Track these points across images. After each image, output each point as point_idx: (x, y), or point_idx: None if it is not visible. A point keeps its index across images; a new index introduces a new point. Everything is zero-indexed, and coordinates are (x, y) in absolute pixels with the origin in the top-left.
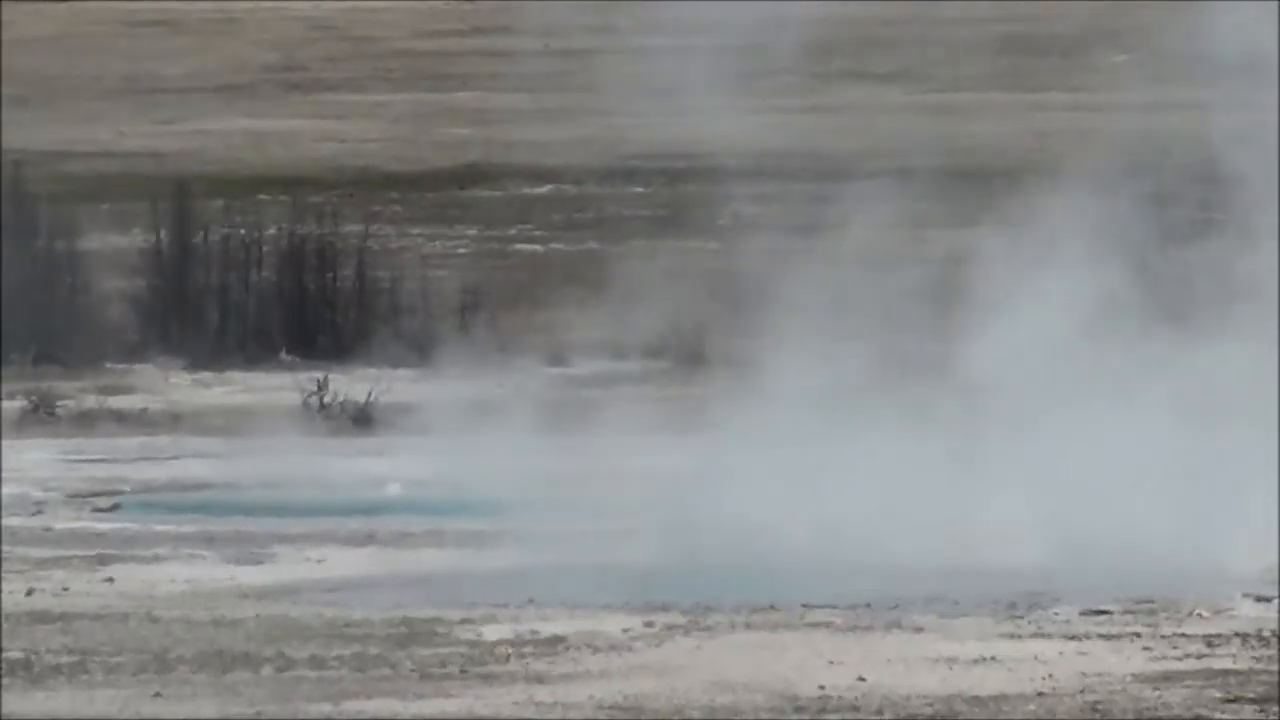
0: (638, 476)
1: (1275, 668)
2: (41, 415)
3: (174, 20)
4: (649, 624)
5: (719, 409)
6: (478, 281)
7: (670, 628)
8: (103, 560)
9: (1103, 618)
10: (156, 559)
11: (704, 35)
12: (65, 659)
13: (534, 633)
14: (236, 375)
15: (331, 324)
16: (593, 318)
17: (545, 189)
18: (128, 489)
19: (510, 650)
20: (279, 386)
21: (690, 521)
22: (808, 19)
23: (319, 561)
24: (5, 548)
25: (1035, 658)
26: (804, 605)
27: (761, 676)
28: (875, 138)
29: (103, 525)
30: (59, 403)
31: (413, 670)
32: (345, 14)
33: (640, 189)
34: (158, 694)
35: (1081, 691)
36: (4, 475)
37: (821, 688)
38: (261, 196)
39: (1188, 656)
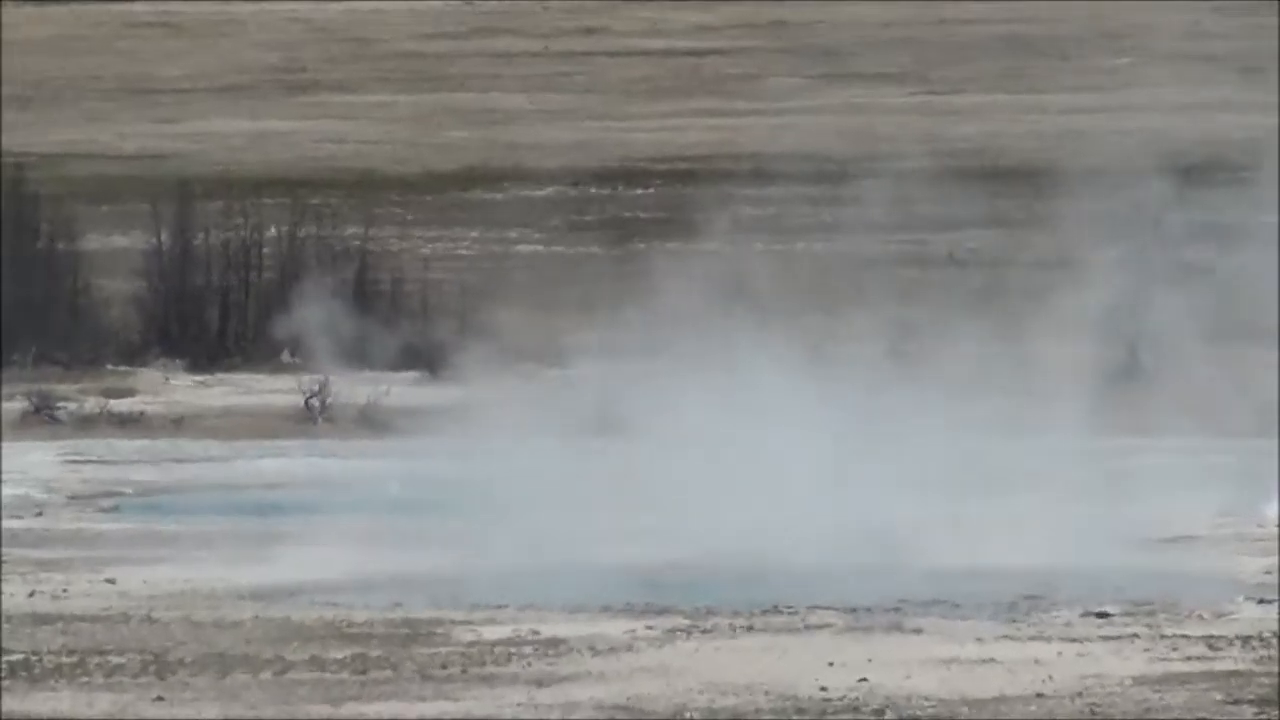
0: (638, 477)
1: (1275, 669)
2: (42, 416)
3: (174, 21)
4: (650, 626)
5: (717, 409)
6: (478, 283)
7: (671, 630)
8: (103, 561)
9: (1102, 620)
10: (157, 560)
11: (705, 37)
12: (66, 660)
13: (535, 633)
14: (237, 377)
15: (331, 326)
16: (593, 320)
17: (546, 191)
18: (128, 490)
19: (511, 651)
20: (280, 388)
21: (690, 522)
22: (808, 20)
23: (319, 563)
24: (6, 549)
25: (1035, 660)
26: (809, 607)
27: (762, 678)
28: (875, 138)
29: (103, 526)
30: (59, 404)
31: (415, 671)
32: (346, 15)
33: (640, 191)
34: (159, 698)
35: (1080, 694)
36: (5, 477)
37: (823, 689)
38: (263, 199)
39: (1188, 659)
